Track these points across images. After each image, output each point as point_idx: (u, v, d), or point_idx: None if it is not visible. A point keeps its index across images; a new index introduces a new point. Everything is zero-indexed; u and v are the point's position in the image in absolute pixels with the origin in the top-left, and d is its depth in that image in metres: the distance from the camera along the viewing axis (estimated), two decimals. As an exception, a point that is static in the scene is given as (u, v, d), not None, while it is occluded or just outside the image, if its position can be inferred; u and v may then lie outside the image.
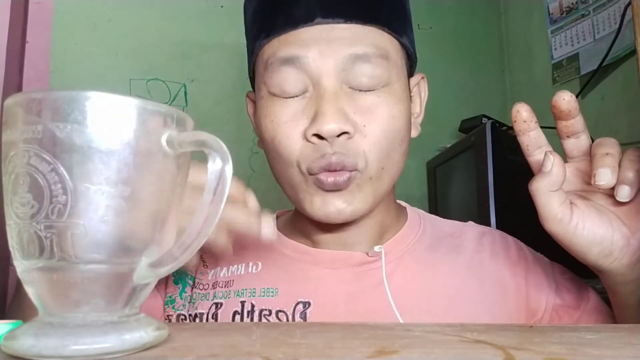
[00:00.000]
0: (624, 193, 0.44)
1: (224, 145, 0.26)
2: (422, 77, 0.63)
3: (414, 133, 0.61)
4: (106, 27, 1.63)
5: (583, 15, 1.43)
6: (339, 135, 0.52)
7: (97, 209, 0.25)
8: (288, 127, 0.53)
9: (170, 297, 0.62)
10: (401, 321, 0.54)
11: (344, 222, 0.56)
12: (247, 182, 1.66)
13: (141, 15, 1.66)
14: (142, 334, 0.27)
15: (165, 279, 0.63)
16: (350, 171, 0.52)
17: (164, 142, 0.27)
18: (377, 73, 0.53)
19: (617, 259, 0.46)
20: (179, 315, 0.60)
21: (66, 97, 0.25)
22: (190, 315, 0.60)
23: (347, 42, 0.53)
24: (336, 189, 0.53)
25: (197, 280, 0.62)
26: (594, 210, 0.46)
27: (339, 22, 0.53)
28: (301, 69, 0.53)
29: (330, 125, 0.50)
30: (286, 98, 0.54)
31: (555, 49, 1.55)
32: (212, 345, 0.30)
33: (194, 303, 0.60)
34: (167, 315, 0.61)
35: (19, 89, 1.53)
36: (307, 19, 0.53)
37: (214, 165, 0.26)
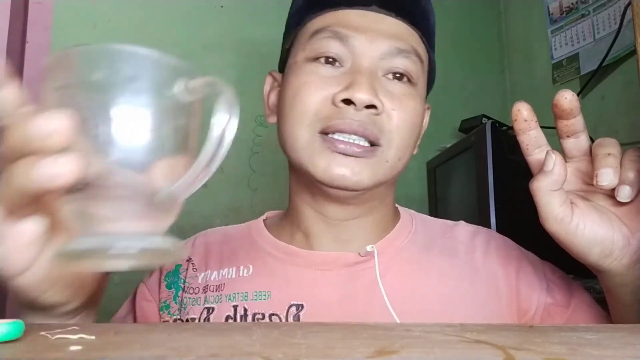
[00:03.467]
0: (625, 193, 0.44)
1: (233, 92, 0.29)
2: (428, 107, 0.65)
3: (415, 151, 0.63)
4: (106, 27, 1.63)
5: (583, 15, 1.44)
6: (367, 109, 0.53)
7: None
8: (316, 87, 0.55)
9: (164, 302, 0.61)
10: (397, 321, 0.54)
11: (346, 190, 0.55)
12: (247, 182, 1.66)
13: (141, 15, 1.66)
14: (165, 239, 0.31)
15: (157, 285, 0.63)
16: (372, 145, 0.54)
17: (177, 89, 0.30)
18: (413, 69, 0.57)
19: (617, 259, 0.46)
20: (175, 320, 0.60)
21: (97, 49, 0.29)
22: (183, 320, 0.60)
23: (394, 36, 0.57)
24: (351, 154, 0.53)
25: (186, 285, 0.61)
26: (595, 211, 0.46)
27: (390, 15, 0.57)
28: (347, 46, 0.56)
29: (364, 95, 0.52)
30: (321, 65, 0.56)
31: (555, 49, 1.55)
32: (212, 345, 0.30)
33: (185, 308, 0.60)
34: (164, 322, 0.61)
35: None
36: (364, 3, 0.58)
37: (221, 115, 0.29)
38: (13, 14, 1.45)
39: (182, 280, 0.62)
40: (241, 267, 0.61)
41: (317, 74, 0.56)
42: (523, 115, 0.47)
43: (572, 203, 0.46)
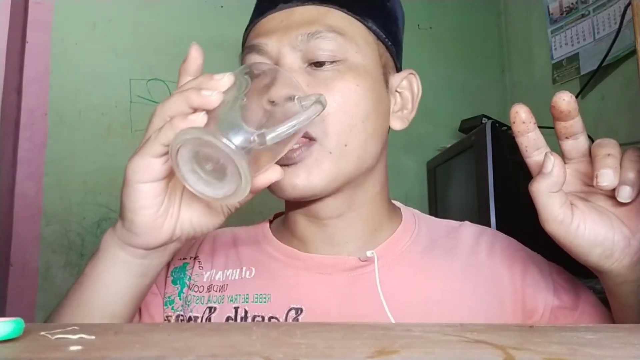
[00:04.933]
0: (625, 194, 0.44)
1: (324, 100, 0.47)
2: (411, 73, 0.63)
3: (399, 125, 0.62)
4: (106, 27, 1.63)
5: (583, 15, 1.44)
6: None
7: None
8: None
9: (169, 297, 0.62)
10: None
11: (308, 200, 0.56)
12: (247, 182, 1.66)
13: (141, 15, 1.66)
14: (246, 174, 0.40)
15: (164, 279, 0.63)
16: (308, 139, 0.54)
17: (297, 101, 0.47)
18: (330, 47, 0.56)
19: (618, 260, 0.46)
20: (178, 316, 0.61)
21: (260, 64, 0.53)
22: (185, 317, 0.60)
23: (302, 24, 0.56)
24: (291, 162, 0.53)
25: (192, 282, 0.62)
26: (595, 211, 0.46)
27: (297, 5, 0.58)
28: (264, 54, 0.57)
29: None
30: None
31: (555, 49, 1.55)
32: (212, 345, 0.30)
33: (188, 305, 0.60)
34: (167, 316, 0.61)
35: (19, 89, 1.53)
36: (271, 7, 0.59)
37: (316, 105, 0.45)
38: (13, 14, 1.45)
39: (187, 277, 0.63)
40: (244, 269, 0.61)
41: None
42: (521, 117, 0.47)
43: (572, 204, 0.45)
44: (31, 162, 1.51)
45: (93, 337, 0.30)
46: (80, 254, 1.51)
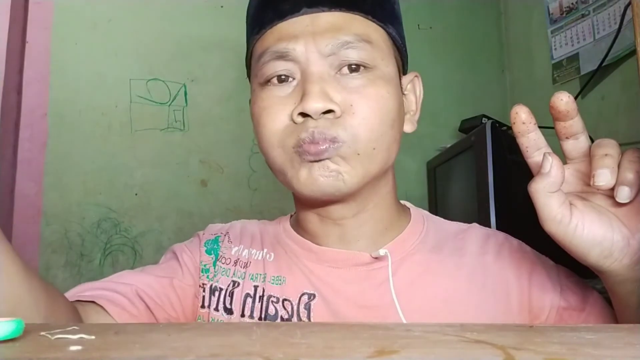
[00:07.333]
0: (624, 194, 0.44)
1: None
2: (416, 76, 0.64)
3: (409, 128, 0.62)
4: (106, 27, 1.63)
5: (583, 15, 1.44)
6: (326, 114, 0.53)
7: None
8: (274, 110, 0.56)
9: (205, 265, 0.65)
10: (404, 321, 0.54)
11: (332, 200, 0.57)
12: (247, 182, 1.66)
13: (141, 15, 1.66)
14: None
15: (198, 248, 0.66)
16: (334, 143, 0.53)
17: None
18: (361, 55, 0.56)
19: (617, 260, 0.46)
20: (211, 286, 0.63)
21: None
22: (213, 286, 0.63)
23: (331, 31, 0.55)
24: (318, 158, 0.53)
25: (220, 254, 0.65)
26: (594, 211, 0.46)
27: (323, 10, 0.56)
28: (290, 60, 0.56)
29: (315, 103, 0.52)
30: (274, 86, 0.56)
31: (555, 49, 1.55)
32: (212, 345, 0.30)
33: (215, 275, 0.64)
34: (202, 284, 0.64)
35: (19, 89, 1.53)
36: (293, 11, 0.57)
37: None
38: (13, 14, 1.45)
39: (220, 249, 0.66)
40: (265, 251, 0.64)
41: (272, 97, 0.56)
42: (521, 118, 0.47)
43: (571, 204, 0.45)
44: (31, 162, 1.51)
45: (93, 337, 0.30)
46: (80, 254, 1.51)
